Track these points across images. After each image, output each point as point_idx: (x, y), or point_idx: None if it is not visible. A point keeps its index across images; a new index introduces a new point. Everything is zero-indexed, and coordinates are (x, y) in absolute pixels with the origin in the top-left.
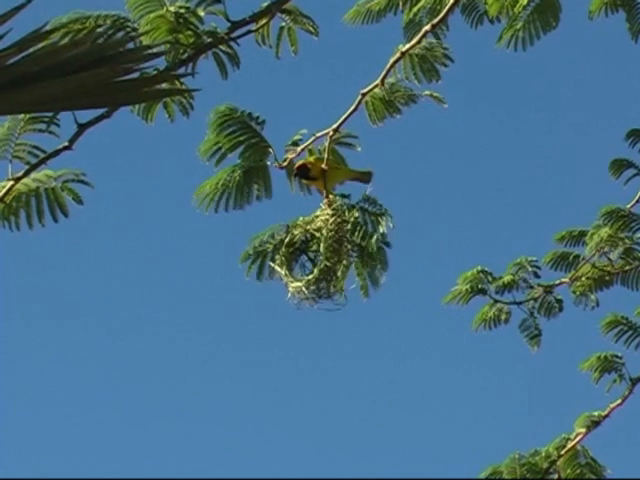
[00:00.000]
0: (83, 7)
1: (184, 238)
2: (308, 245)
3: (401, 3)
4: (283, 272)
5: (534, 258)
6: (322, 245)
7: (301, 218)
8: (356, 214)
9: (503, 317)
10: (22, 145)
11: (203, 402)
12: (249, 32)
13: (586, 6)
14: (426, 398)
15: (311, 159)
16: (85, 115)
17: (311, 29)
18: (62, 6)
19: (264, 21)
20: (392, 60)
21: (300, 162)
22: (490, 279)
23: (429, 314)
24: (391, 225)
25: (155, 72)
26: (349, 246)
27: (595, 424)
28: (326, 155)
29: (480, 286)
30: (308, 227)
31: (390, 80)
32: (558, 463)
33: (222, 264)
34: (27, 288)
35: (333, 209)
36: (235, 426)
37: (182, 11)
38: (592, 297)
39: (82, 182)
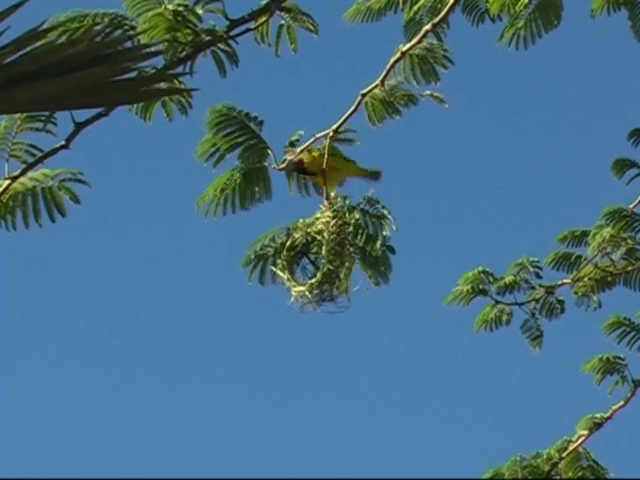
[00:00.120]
0: (80, 5)
1: (183, 238)
2: (309, 248)
3: (401, 1)
4: (285, 276)
5: (536, 258)
6: (324, 248)
7: (301, 220)
8: (357, 216)
9: (504, 318)
10: (19, 144)
11: (206, 404)
12: (248, 30)
13: (588, 4)
14: (427, 399)
15: (313, 154)
16: (82, 114)
17: (311, 27)
18: (59, 4)
19: (263, 19)
20: (392, 60)
21: (298, 157)
22: (491, 280)
23: (430, 315)
24: (394, 227)
25: (153, 71)
26: (351, 249)
27: (597, 426)
28: (326, 154)
29: (481, 287)
30: (309, 230)
31: (390, 81)
32: (560, 465)
33: (223, 266)
34: (24, 288)
35: (334, 211)
36: (237, 428)
37: (180, 9)
38: (594, 298)
39: (79, 181)
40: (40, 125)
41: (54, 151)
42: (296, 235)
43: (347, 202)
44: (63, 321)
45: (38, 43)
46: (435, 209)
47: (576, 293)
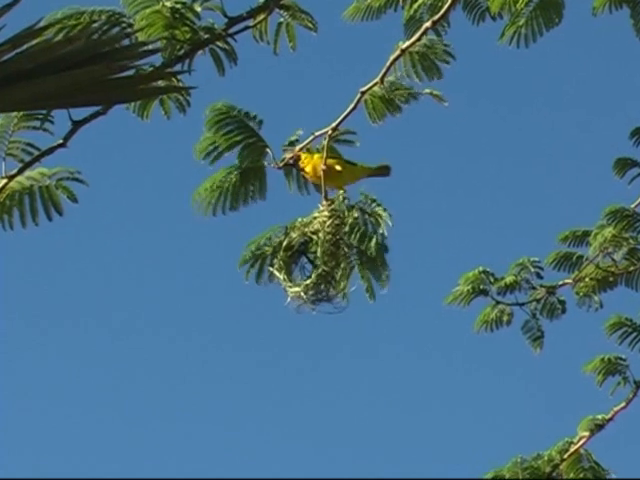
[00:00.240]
0: (77, 3)
1: (181, 237)
2: (307, 247)
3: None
4: (281, 277)
5: (537, 258)
6: (319, 249)
7: (299, 219)
8: (355, 214)
9: (505, 318)
10: (16, 143)
11: (203, 404)
12: (247, 28)
13: (590, 2)
14: (427, 400)
15: (314, 158)
16: (80, 112)
17: (310, 25)
18: (56, 2)
19: (262, 17)
20: (392, 58)
21: (296, 153)
22: (492, 280)
23: (430, 315)
24: (390, 225)
25: (151, 69)
26: (347, 249)
27: (599, 427)
28: (324, 153)
29: (482, 287)
30: (306, 229)
31: (390, 78)
32: (561, 467)
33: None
34: (21, 288)
35: (331, 210)
36: (235, 427)
37: (178, 7)
38: (596, 298)
39: (77, 180)
40: (37, 124)
41: (51, 150)
42: (293, 235)
43: (346, 201)
44: (61, 320)
45: (35, 41)
46: (435, 208)
47: (577, 293)
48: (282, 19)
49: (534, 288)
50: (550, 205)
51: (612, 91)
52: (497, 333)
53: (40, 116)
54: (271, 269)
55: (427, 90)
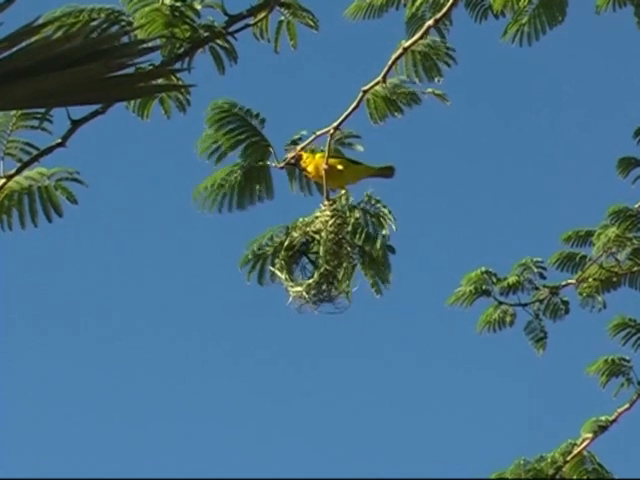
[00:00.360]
0: (76, 1)
1: (182, 237)
2: (308, 247)
3: None
4: (283, 276)
5: (540, 259)
6: (321, 249)
7: (301, 219)
8: (357, 215)
9: (508, 319)
10: (14, 142)
11: (205, 405)
12: (247, 26)
13: (593, 0)
14: (430, 401)
15: (316, 157)
16: (79, 112)
17: (311, 23)
18: (55, 0)
19: (262, 15)
20: (394, 56)
21: (297, 153)
22: (494, 280)
23: (432, 316)
24: (394, 227)
25: (150, 67)
26: (349, 249)
27: (602, 429)
28: (326, 152)
29: (484, 287)
30: (307, 229)
31: (392, 79)
32: (564, 469)
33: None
34: (20, 289)
35: (333, 210)
36: (237, 428)
37: (178, 4)
38: (599, 299)
39: (76, 180)
40: (36, 123)
41: (50, 149)
42: (295, 234)
43: (348, 201)
44: (60, 321)
45: (33, 38)
46: (438, 208)
47: (581, 294)
48: (283, 17)
49: (537, 288)
50: (553, 205)
51: (616, 90)
52: (500, 334)
53: (39, 115)
54: (272, 269)
55: (429, 90)
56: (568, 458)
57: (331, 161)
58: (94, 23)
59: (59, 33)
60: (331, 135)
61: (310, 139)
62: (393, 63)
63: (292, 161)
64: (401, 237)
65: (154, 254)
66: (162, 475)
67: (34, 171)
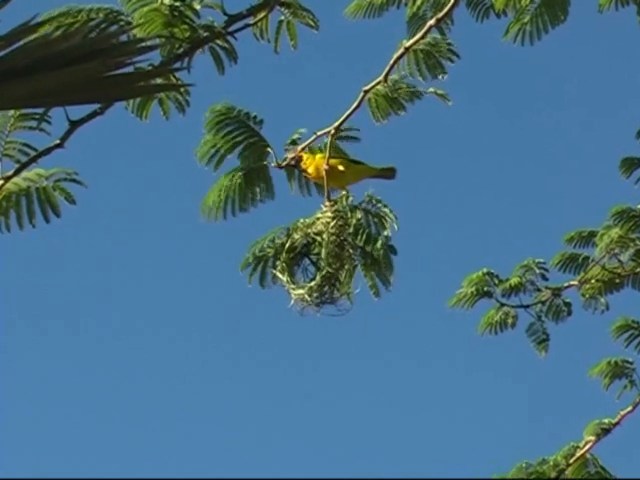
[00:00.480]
0: (75, 1)
1: (182, 238)
2: (310, 249)
3: None
4: (285, 279)
5: (542, 260)
6: (323, 251)
7: (301, 220)
8: (359, 216)
9: (510, 321)
10: (12, 143)
11: (206, 406)
12: (247, 26)
13: None
14: (431, 403)
15: (316, 157)
16: (77, 112)
17: (311, 23)
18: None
19: (262, 14)
20: (396, 56)
21: (298, 154)
22: (496, 282)
23: (434, 318)
24: (396, 227)
25: (149, 67)
26: (351, 250)
27: (605, 432)
28: (327, 153)
29: (486, 289)
30: (309, 230)
31: (393, 77)
32: (567, 472)
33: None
34: (19, 290)
35: (334, 211)
36: (239, 429)
37: (177, 4)
38: (602, 300)
39: (74, 181)
40: (34, 123)
41: (48, 150)
42: (296, 236)
43: (350, 202)
44: (59, 322)
45: (31, 37)
46: (439, 209)
47: (583, 295)
48: (283, 17)
49: (539, 290)
50: (555, 205)
51: (619, 89)
52: (501, 336)
53: (37, 116)
54: (274, 271)
55: (431, 89)
56: (571, 461)
57: (332, 162)
58: (92, 22)
59: (57, 32)
60: (332, 135)
61: (311, 139)
62: (395, 63)
63: (292, 162)
64: (402, 238)
65: (154, 256)
66: (162, 475)
67: (32, 172)
